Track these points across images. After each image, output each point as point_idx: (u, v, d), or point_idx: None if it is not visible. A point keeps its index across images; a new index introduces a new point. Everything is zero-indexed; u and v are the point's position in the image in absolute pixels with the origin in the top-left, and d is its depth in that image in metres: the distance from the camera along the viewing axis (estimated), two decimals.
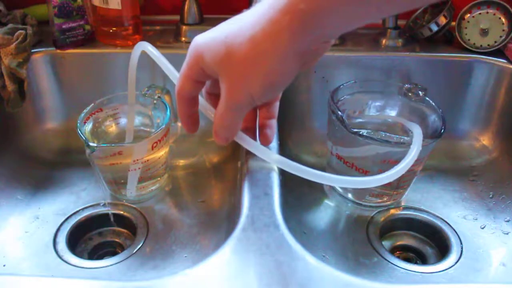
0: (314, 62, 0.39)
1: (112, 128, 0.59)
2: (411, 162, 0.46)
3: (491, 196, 0.62)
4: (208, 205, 0.60)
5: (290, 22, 0.30)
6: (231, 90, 0.34)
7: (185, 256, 0.53)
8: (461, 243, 0.55)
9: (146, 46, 0.46)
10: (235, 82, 0.34)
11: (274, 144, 0.49)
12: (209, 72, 0.35)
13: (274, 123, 0.43)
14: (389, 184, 0.56)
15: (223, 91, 0.35)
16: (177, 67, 0.67)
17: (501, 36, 0.67)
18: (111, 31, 0.67)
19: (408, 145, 0.51)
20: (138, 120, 0.59)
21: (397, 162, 0.52)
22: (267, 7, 0.31)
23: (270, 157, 0.43)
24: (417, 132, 0.49)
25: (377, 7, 0.30)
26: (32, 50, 0.66)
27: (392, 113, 0.60)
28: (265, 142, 0.43)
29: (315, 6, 0.29)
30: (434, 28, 0.68)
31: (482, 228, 0.57)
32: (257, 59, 0.32)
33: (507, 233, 0.57)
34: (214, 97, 0.41)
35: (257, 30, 0.31)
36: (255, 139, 0.43)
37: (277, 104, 0.44)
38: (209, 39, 0.34)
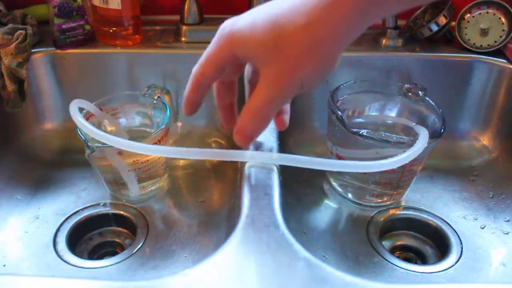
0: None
1: (111, 128, 0.58)
2: (416, 154, 0.46)
3: (491, 196, 0.62)
4: (208, 205, 0.60)
5: (347, 11, 0.29)
6: (280, 78, 0.33)
7: (185, 256, 0.53)
8: (461, 243, 0.55)
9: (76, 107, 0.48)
10: (286, 69, 0.33)
11: (274, 144, 0.49)
12: (246, 58, 0.34)
13: (288, 107, 0.42)
14: (389, 184, 0.56)
15: (267, 79, 0.34)
16: (177, 66, 0.68)
17: (501, 36, 0.67)
18: (111, 31, 0.67)
19: (408, 145, 0.51)
20: (138, 120, 0.59)
21: None
22: None
23: (270, 158, 0.43)
24: (424, 133, 0.49)
25: None
26: (32, 50, 0.66)
27: (392, 113, 0.60)
28: (282, 127, 0.43)
29: None
30: (434, 28, 0.68)
31: (482, 228, 0.57)
32: (314, 46, 0.31)
33: (507, 233, 0.57)
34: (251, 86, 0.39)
35: (314, 18, 0.30)
36: (234, 114, 0.42)
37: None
38: (249, 26, 0.33)
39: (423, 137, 0.48)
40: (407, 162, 0.45)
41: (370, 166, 0.44)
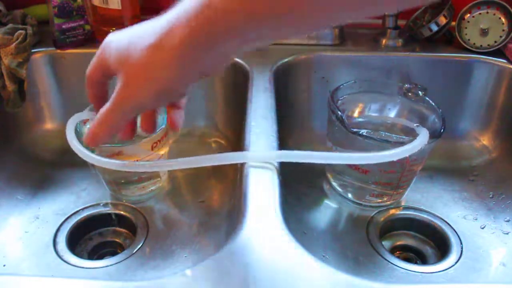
0: (217, 73, 0.40)
1: None
2: (417, 148, 0.46)
3: (491, 196, 0.62)
4: (208, 205, 0.60)
5: (182, 38, 0.31)
6: (122, 94, 0.36)
7: (185, 256, 0.53)
8: (461, 243, 0.55)
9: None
10: (126, 87, 0.36)
11: (274, 144, 0.49)
12: (112, 70, 0.37)
13: (182, 113, 0.43)
14: (389, 184, 0.56)
15: (117, 90, 0.36)
16: None
17: (501, 36, 0.67)
18: (111, 31, 0.67)
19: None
20: (138, 120, 0.59)
21: (397, 162, 0.52)
22: (169, 21, 0.33)
23: (270, 157, 0.43)
24: (424, 132, 0.49)
25: (263, 33, 0.31)
26: (32, 50, 0.66)
27: (392, 113, 0.60)
28: (174, 128, 0.43)
29: (209, 27, 0.30)
30: (434, 28, 0.68)
31: (482, 228, 0.57)
32: (148, 69, 0.34)
33: (507, 233, 0.57)
34: None
35: (154, 40, 0.33)
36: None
37: (183, 99, 0.44)
38: (116, 40, 0.37)
39: (423, 134, 0.48)
40: (406, 155, 0.45)
41: (369, 157, 0.44)
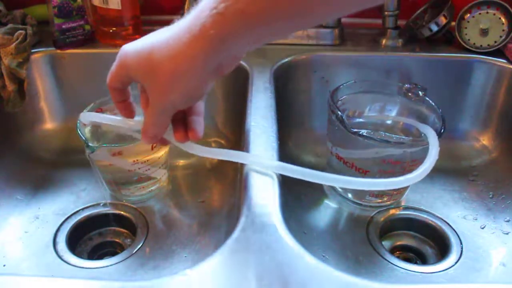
0: (230, 70, 0.43)
1: (112, 128, 0.58)
2: (433, 164, 0.46)
3: (491, 196, 0.62)
4: (208, 205, 0.60)
5: (203, 46, 0.35)
6: (156, 100, 0.40)
7: (185, 256, 0.53)
8: (461, 243, 0.55)
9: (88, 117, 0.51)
10: (159, 94, 0.39)
11: (274, 144, 0.49)
12: (135, 79, 0.41)
13: (201, 120, 0.46)
14: None
15: (150, 98, 0.40)
16: None
17: (501, 36, 0.67)
18: (111, 31, 0.67)
19: (408, 145, 0.51)
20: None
21: (397, 162, 0.52)
22: (186, 29, 0.36)
23: (268, 164, 0.44)
24: (431, 134, 0.49)
25: (278, 30, 0.35)
26: (32, 50, 0.66)
27: (392, 113, 0.60)
28: (195, 137, 0.45)
29: (223, 33, 0.34)
30: (434, 28, 0.68)
31: (482, 228, 0.57)
32: (177, 77, 0.37)
33: (507, 233, 0.57)
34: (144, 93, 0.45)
35: (178, 53, 0.36)
36: (185, 128, 0.46)
37: (202, 103, 0.47)
38: (135, 52, 0.39)
39: (434, 142, 0.48)
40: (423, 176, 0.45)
41: (376, 184, 0.44)
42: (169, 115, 0.42)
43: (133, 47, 0.40)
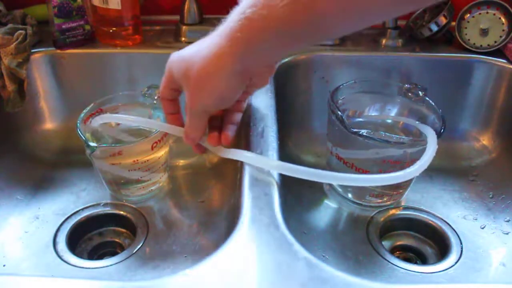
0: (265, 82, 0.46)
1: (112, 128, 0.58)
2: (429, 161, 0.45)
3: (491, 196, 0.62)
4: (208, 205, 0.60)
5: (230, 47, 0.37)
6: (190, 101, 0.42)
7: (185, 256, 0.53)
8: (461, 243, 0.55)
9: (101, 119, 0.53)
10: (192, 95, 0.41)
11: (274, 144, 0.49)
12: (178, 82, 0.43)
13: (234, 128, 0.48)
14: (389, 184, 0.56)
15: (186, 101, 0.43)
16: None
17: (501, 36, 0.67)
18: (111, 31, 0.67)
19: (408, 145, 0.51)
20: None
21: (396, 162, 0.52)
22: (217, 34, 0.38)
23: (268, 164, 0.44)
24: (431, 133, 0.49)
25: (304, 39, 0.37)
26: (32, 50, 0.66)
27: (392, 113, 0.60)
28: (225, 142, 0.47)
29: (249, 35, 0.35)
30: (434, 28, 0.68)
31: (482, 228, 0.57)
32: (206, 77, 0.39)
33: (507, 233, 0.57)
34: None
35: (207, 53, 0.38)
36: (219, 134, 0.48)
37: (239, 113, 0.49)
38: (177, 57, 0.42)
39: (432, 141, 0.48)
40: (420, 171, 0.45)
41: (374, 179, 0.44)
42: (203, 118, 0.44)
43: (178, 53, 0.42)
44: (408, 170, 0.44)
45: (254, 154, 0.46)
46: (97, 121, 0.53)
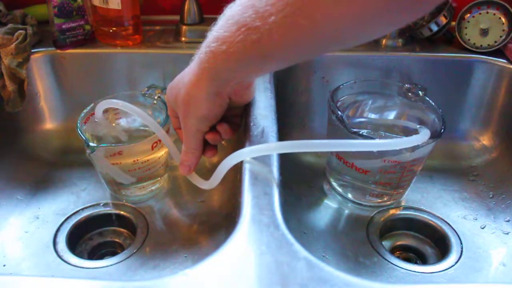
0: (247, 98, 0.49)
1: (112, 127, 0.58)
2: (416, 142, 0.46)
3: (491, 196, 0.62)
4: (208, 205, 0.60)
5: (202, 74, 0.42)
6: (183, 122, 0.47)
7: (185, 256, 0.53)
8: (461, 243, 0.55)
9: (107, 103, 0.53)
10: (183, 117, 0.46)
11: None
12: (173, 105, 0.48)
13: (228, 127, 0.49)
14: (389, 184, 0.56)
15: (181, 125, 0.47)
16: (177, 66, 0.67)
17: (501, 36, 0.67)
18: (111, 31, 0.67)
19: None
20: (138, 120, 0.59)
21: (397, 162, 0.52)
22: (194, 62, 0.43)
23: (268, 149, 0.44)
24: (425, 132, 0.49)
25: (263, 67, 0.41)
26: (32, 50, 0.66)
27: (392, 113, 0.60)
28: (227, 135, 0.49)
29: (214, 65, 0.40)
30: (434, 28, 0.68)
31: (482, 228, 0.57)
32: (189, 100, 0.44)
33: (507, 233, 0.57)
34: None
35: (188, 80, 0.43)
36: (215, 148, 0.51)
37: (236, 126, 0.51)
38: (169, 86, 0.48)
39: (424, 133, 0.47)
40: (401, 147, 0.45)
41: (373, 144, 0.44)
42: (198, 137, 0.47)
43: (171, 82, 0.47)
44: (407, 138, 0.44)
45: (245, 149, 0.45)
46: (103, 105, 0.52)
